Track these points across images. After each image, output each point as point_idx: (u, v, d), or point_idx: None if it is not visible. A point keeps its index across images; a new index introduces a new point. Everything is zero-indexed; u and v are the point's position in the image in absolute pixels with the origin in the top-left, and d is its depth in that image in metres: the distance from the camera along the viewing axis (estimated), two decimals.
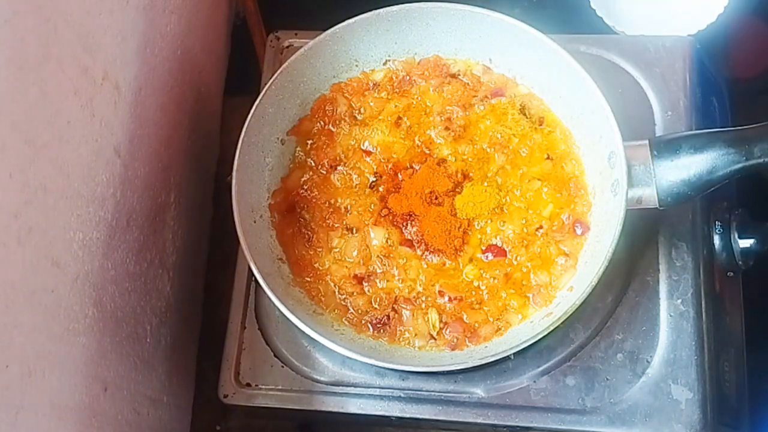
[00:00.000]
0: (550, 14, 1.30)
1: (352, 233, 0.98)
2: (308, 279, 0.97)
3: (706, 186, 0.86)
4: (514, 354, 0.87)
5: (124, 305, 0.92)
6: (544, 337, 0.85)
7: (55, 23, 0.74)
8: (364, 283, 0.96)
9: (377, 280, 0.96)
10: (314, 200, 1.00)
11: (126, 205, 0.92)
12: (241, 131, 0.96)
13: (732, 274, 1.01)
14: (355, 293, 0.95)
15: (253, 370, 0.98)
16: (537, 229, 0.96)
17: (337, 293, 0.96)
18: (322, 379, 0.96)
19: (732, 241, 0.99)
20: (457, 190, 0.98)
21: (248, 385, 0.98)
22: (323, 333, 0.88)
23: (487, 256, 0.96)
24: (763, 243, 0.98)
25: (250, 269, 0.92)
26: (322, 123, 1.04)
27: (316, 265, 0.97)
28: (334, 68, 1.05)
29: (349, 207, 0.99)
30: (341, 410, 0.95)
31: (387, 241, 0.97)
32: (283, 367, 0.98)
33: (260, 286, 0.90)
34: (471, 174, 0.99)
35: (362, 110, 1.04)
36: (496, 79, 1.04)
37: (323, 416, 0.97)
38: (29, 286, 0.71)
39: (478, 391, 0.93)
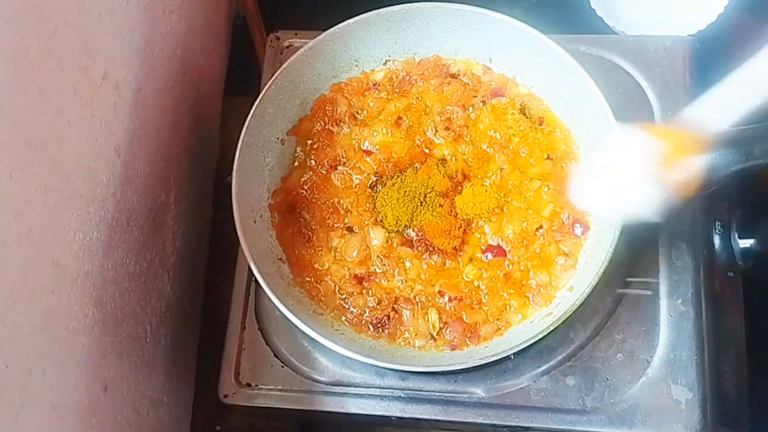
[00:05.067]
0: (550, 14, 1.29)
1: (352, 233, 0.98)
2: (308, 279, 0.97)
3: (706, 186, 0.86)
4: (514, 354, 0.87)
5: (124, 305, 0.92)
6: (544, 337, 0.85)
7: (55, 23, 0.74)
8: (364, 283, 0.96)
9: (377, 280, 0.96)
10: (314, 200, 1.00)
11: (126, 205, 0.92)
12: (241, 131, 0.96)
13: (732, 274, 1.01)
14: (355, 293, 0.96)
15: (253, 370, 0.98)
16: (537, 229, 0.96)
17: (337, 293, 0.96)
18: (322, 379, 0.96)
19: (732, 241, 0.99)
20: (457, 190, 0.98)
21: (248, 385, 0.98)
22: (323, 333, 0.88)
23: (487, 256, 0.96)
24: (763, 243, 0.98)
25: (250, 269, 0.92)
26: (322, 123, 1.04)
27: (316, 265, 0.97)
28: (334, 68, 1.05)
29: (349, 207, 0.99)
30: (341, 410, 0.95)
31: (387, 241, 0.97)
32: (283, 367, 0.98)
33: (260, 286, 0.90)
34: (471, 174, 0.99)
35: (362, 110, 1.04)
36: (496, 79, 1.04)
37: (323, 416, 0.97)
38: (29, 286, 0.71)
39: (478, 391, 0.93)
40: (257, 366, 0.98)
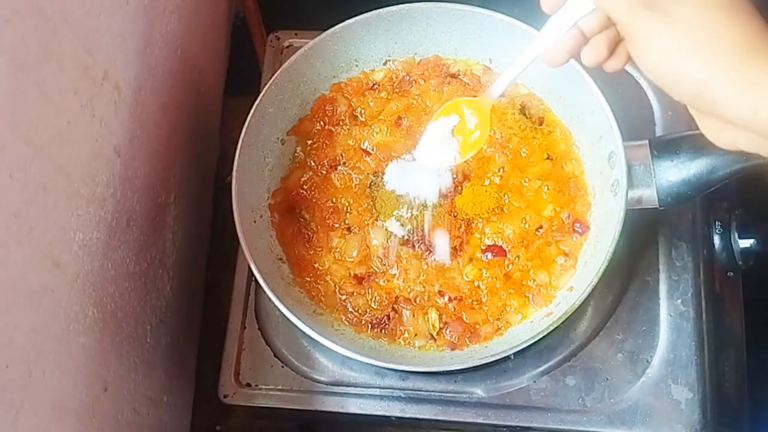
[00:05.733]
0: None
1: (352, 233, 0.98)
2: (308, 279, 0.97)
3: (706, 186, 0.86)
4: (514, 354, 0.87)
5: (124, 305, 0.92)
6: (544, 337, 0.85)
7: (55, 23, 0.74)
8: (364, 283, 0.96)
9: (377, 280, 0.96)
10: (314, 200, 1.00)
11: (126, 205, 0.91)
12: (241, 131, 0.96)
13: (732, 274, 1.01)
14: (355, 293, 0.95)
15: (253, 370, 0.98)
16: (537, 229, 0.96)
17: (337, 293, 0.96)
18: (322, 379, 0.96)
19: (732, 241, 0.99)
20: (457, 190, 0.98)
21: (248, 385, 0.98)
22: (323, 333, 0.88)
23: (487, 256, 0.96)
24: (763, 243, 0.98)
25: (250, 269, 0.92)
26: (322, 123, 1.04)
27: (316, 265, 0.97)
28: (334, 68, 1.05)
29: (349, 207, 0.99)
30: (341, 410, 0.95)
31: (387, 241, 0.97)
32: (283, 367, 0.98)
33: (260, 286, 0.90)
34: (471, 174, 0.99)
35: (362, 110, 1.04)
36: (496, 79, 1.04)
37: (323, 416, 0.97)
38: (29, 286, 0.71)
39: (478, 391, 0.93)
40: (257, 366, 0.98)
